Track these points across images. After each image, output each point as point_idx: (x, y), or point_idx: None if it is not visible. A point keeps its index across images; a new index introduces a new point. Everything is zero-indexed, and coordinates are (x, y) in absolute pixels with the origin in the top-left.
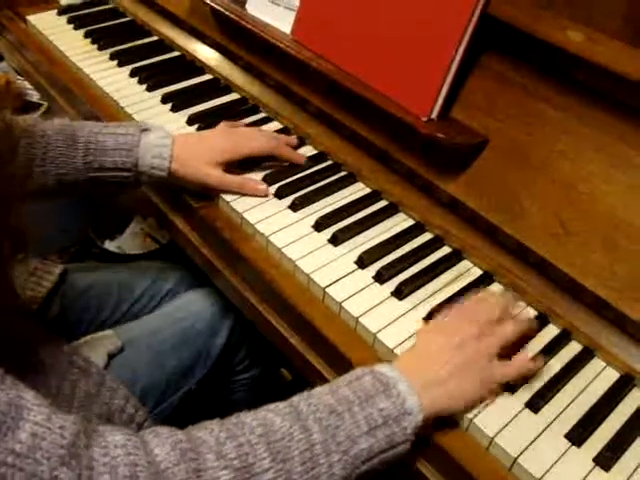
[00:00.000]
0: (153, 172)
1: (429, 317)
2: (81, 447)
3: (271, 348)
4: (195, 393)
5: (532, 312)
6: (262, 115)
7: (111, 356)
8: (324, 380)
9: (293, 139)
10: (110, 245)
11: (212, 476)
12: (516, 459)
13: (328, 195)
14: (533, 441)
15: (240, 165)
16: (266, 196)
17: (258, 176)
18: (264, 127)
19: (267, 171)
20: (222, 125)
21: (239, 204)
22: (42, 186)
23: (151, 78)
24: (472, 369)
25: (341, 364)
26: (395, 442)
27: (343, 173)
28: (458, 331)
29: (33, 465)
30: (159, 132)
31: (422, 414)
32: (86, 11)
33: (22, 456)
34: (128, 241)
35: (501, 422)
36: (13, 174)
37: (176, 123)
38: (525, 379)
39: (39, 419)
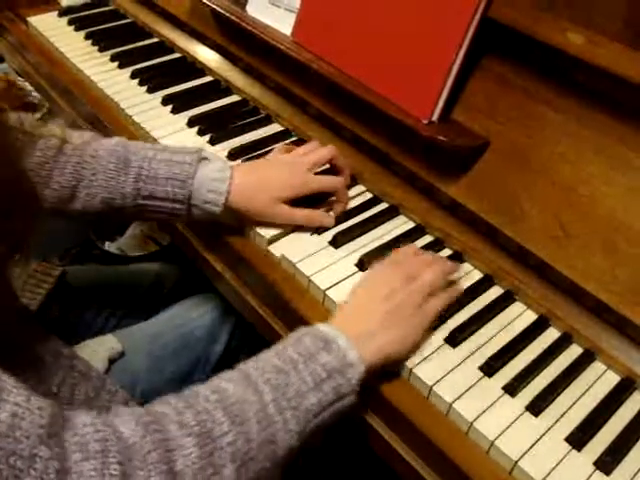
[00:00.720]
0: (206, 207)
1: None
2: (58, 428)
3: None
4: None
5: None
6: (262, 117)
7: (112, 361)
8: None
9: (349, 178)
10: (111, 247)
11: (178, 444)
12: (517, 462)
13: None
14: (534, 444)
15: None
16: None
17: None
18: (264, 129)
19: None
20: (278, 150)
21: None
22: (86, 209)
23: (152, 80)
24: (404, 315)
25: None
26: (342, 393)
27: None
28: (385, 282)
29: (13, 444)
30: (217, 163)
31: (364, 365)
32: (87, 13)
33: (2, 435)
34: (128, 243)
35: (502, 425)
36: (14, 179)
37: (177, 125)
38: (525, 382)
39: (19, 400)
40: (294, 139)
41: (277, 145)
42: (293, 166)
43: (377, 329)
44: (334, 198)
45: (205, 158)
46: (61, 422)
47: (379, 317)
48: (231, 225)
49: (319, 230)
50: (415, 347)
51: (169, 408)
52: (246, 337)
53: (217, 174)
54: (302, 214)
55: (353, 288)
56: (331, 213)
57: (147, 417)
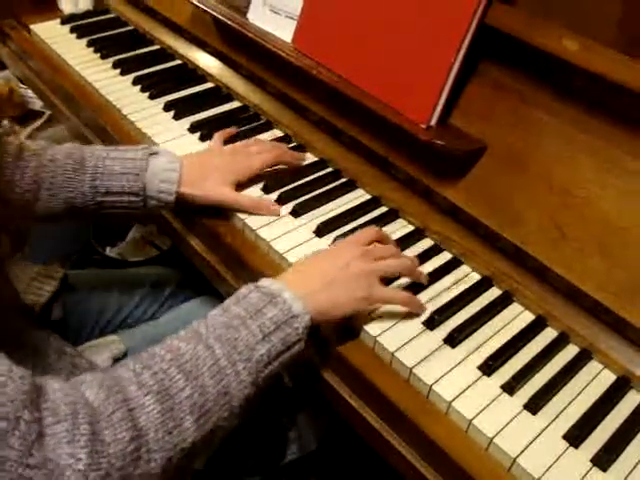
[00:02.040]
0: (161, 196)
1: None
2: (35, 395)
3: None
4: None
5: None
6: (263, 123)
7: (115, 360)
8: (326, 384)
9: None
10: (111, 252)
11: (138, 403)
12: (515, 459)
13: (329, 201)
14: (532, 442)
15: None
16: (278, 215)
17: (259, 184)
18: (265, 135)
19: (268, 178)
20: (217, 139)
21: None
22: (50, 209)
23: (153, 86)
24: (352, 284)
25: (341, 366)
26: (290, 343)
27: (343, 180)
28: (343, 253)
29: None
30: (167, 156)
31: (308, 315)
32: (89, 20)
33: None
34: (129, 248)
35: (500, 423)
36: None
37: (178, 130)
38: (523, 381)
39: (2, 370)
40: (293, 144)
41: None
42: (237, 152)
43: (322, 288)
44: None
45: (155, 152)
46: (37, 390)
47: (329, 279)
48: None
49: (321, 233)
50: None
51: (127, 371)
52: None
53: (168, 165)
54: (247, 199)
55: (308, 255)
56: (278, 205)
57: (108, 381)
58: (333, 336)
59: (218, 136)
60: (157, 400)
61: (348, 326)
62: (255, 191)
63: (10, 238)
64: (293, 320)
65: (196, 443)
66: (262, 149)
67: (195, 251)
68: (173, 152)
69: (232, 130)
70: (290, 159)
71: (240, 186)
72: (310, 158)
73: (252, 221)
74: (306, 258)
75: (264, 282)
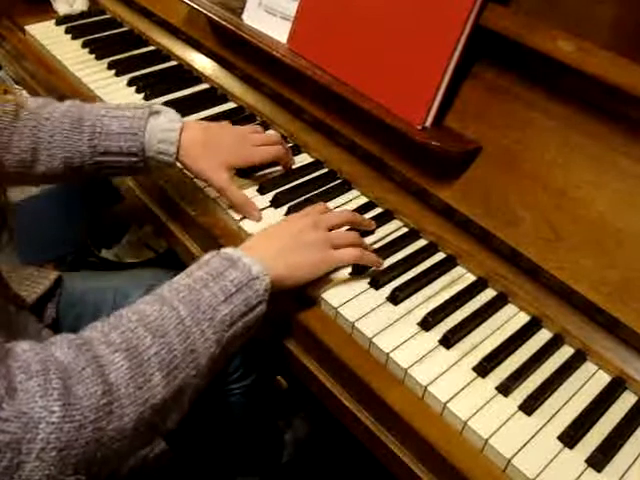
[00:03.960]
0: (160, 157)
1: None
2: (4, 355)
3: (266, 356)
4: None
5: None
6: (258, 123)
7: None
8: (323, 387)
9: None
10: (107, 254)
11: (108, 360)
12: (510, 460)
13: (324, 202)
14: (527, 443)
15: (237, 171)
16: (259, 220)
17: (255, 184)
18: None
19: (263, 179)
20: (238, 128)
21: (236, 212)
22: (49, 170)
23: (148, 87)
24: (310, 248)
25: (337, 367)
26: (252, 304)
27: (339, 181)
28: (295, 224)
29: None
30: (169, 115)
31: (268, 277)
32: (84, 21)
33: None
34: (125, 250)
35: (495, 424)
36: None
37: None
38: (518, 382)
39: None
40: (290, 145)
41: None
42: (244, 138)
43: (278, 253)
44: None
45: (156, 112)
46: (4, 352)
47: (286, 244)
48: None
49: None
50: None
51: (96, 331)
52: None
53: (167, 124)
54: (237, 193)
55: (265, 227)
56: (259, 200)
57: (78, 340)
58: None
59: (243, 128)
60: (125, 357)
61: (339, 326)
62: (251, 191)
63: None
64: (253, 282)
65: (166, 399)
66: (267, 142)
67: (190, 253)
68: (175, 112)
69: (255, 129)
70: (286, 160)
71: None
72: (305, 159)
73: (248, 224)
74: (263, 230)
75: (225, 249)
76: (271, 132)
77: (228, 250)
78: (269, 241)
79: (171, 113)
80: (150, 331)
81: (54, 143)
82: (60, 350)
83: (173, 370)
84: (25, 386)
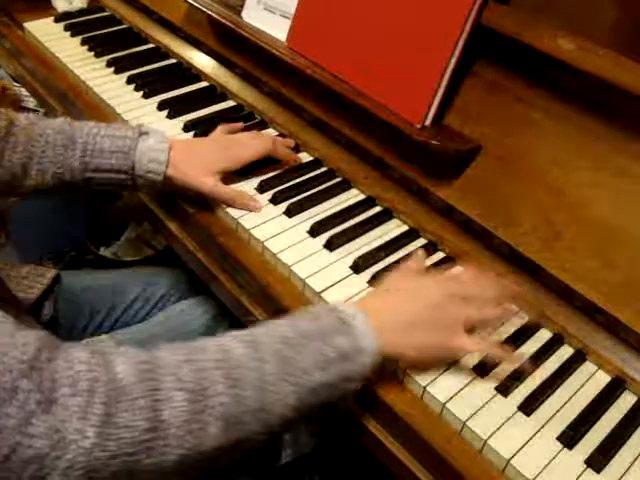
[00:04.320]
0: (149, 176)
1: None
2: (43, 360)
3: None
4: None
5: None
6: (257, 122)
7: None
8: None
9: (290, 141)
10: (106, 252)
11: (167, 395)
12: (509, 461)
13: (323, 201)
14: (526, 443)
15: (237, 170)
16: (259, 211)
17: (254, 182)
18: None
19: (262, 177)
20: (219, 130)
21: (235, 210)
22: (39, 184)
23: (147, 85)
24: (437, 328)
25: None
26: (348, 378)
27: (338, 179)
28: (432, 290)
29: None
30: (157, 136)
31: (378, 353)
32: (83, 18)
33: None
34: (124, 247)
35: (494, 425)
36: None
37: (172, 130)
38: (517, 382)
39: (3, 338)
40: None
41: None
42: (228, 140)
43: (404, 327)
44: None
45: (146, 132)
46: (48, 354)
47: (412, 318)
48: (191, 196)
49: (314, 233)
50: (429, 366)
51: (171, 357)
52: None
53: (157, 145)
54: (225, 190)
55: (396, 279)
56: (258, 198)
57: (145, 365)
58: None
59: (221, 128)
60: (189, 399)
61: None
62: (249, 191)
63: None
64: (359, 354)
65: (219, 449)
66: (258, 140)
67: (189, 251)
68: (163, 132)
69: (239, 125)
70: (283, 155)
71: (232, 181)
72: (305, 157)
73: (245, 221)
74: (389, 282)
75: (342, 305)
76: (267, 132)
77: (348, 309)
78: (394, 305)
79: (159, 134)
80: (226, 377)
81: (46, 158)
82: (123, 366)
83: (235, 424)
84: (66, 402)
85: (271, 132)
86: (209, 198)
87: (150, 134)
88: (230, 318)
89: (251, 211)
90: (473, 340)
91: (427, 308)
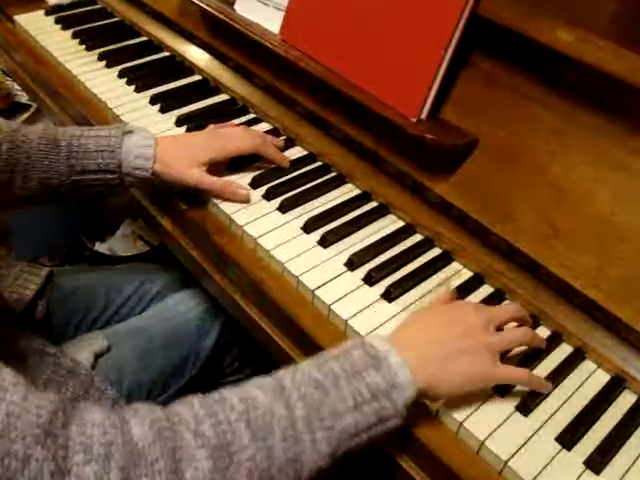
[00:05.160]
0: (137, 173)
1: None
2: (58, 426)
3: (262, 349)
4: (183, 394)
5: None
6: (251, 116)
7: (97, 356)
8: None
9: (280, 141)
10: (101, 247)
11: (190, 454)
12: (507, 462)
13: (317, 196)
14: (524, 444)
15: (229, 167)
16: (248, 201)
17: (247, 177)
18: (253, 128)
19: (256, 172)
20: (210, 127)
21: (228, 206)
22: (26, 191)
23: (140, 79)
24: (473, 358)
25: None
26: (384, 417)
27: (333, 174)
28: (466, 319)
29: (8, 444)
30: (142, 133)
31: (414, 388)
32: (74, 11)
33: None
34: (119, 243)
35: (491, 425)
36: None
37: (165, 124)
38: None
39: (15, 399)
40: (282, 138)
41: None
42: (213, 133)
43: (439, 359)
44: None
45: (130, 131)
46: (62, 419)
47: (447, 349)
48: (183, 192)
49: (308, 229)
50: (461, 398)
51: (189, 413)
52: (237, 332)
53: (143, 141)
54: (212, 180)
55: (426, 310)
56: (246, 187)
57: (163, 422)
58: None
59: (212, 125)
60: (212, 455)
61: None
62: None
63: None
64: (394, 391)
65: None
66: (247, 134)
67: (182, 248)
68: (147, 130)
69: (231, 122)
70: (272, 154)
71: (223, 177)
72: (299, 152)
73: (239, 217)
74: (421, 313)
75: (373, 340)
76: (260, 126)
77: (376, 342)
78: (427, 337)
79: (144, 131)
80: (252, 429)
81: (31, 164)
82: (139, 427)
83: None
84: (80, 471)
85: (265, 126)
86: (200, 192)
87: (135, 132)
88: (225, 314)
89: (240, 200)
90: (513, 369)
91: (459, 338)
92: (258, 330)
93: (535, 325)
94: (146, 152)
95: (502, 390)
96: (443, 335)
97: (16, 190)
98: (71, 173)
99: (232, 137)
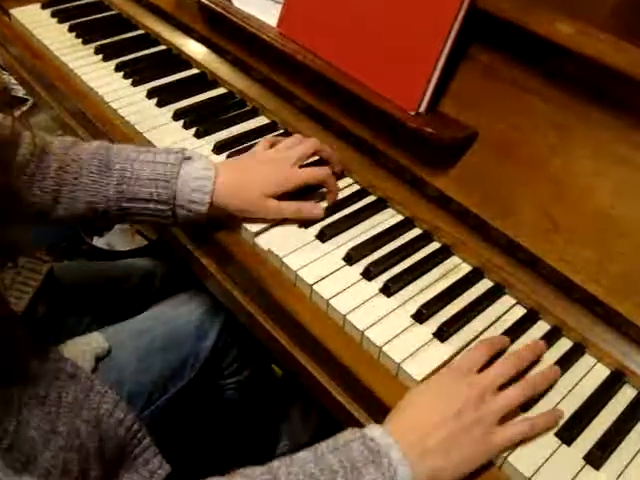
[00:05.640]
0: (192, 207)
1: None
2: None
3: (261, 347)
4: (183, 395)
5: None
6: (249, 109)
7: (98, 359)
8: (312, 379)
9: (339, 167)
10: (99, 242)
11: None
12: (506, 458)
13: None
14: (523, 440)
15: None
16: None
17: None
18: (251, 122)
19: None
20: (262, 146)
21: None
22: (70, 212)
23: (136, 73)
24: (470, 440)
25: (328, 361)
26: None
27: None
28: (456, 396)
29: None
30: (201, 162)
31: None
32: (71, 4)
33: None
34: (117, 238)
35: None
36: (8, 187)
37: (162, 118)
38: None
39: None
40: (280, 132)
41: (262, 139)
42: (277, 162)
43: (438, 449)
44: (324, 189)
45: (189, 158)
46: None
47: (443, 435)
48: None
49: (306, 224)
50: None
51: None
52: (236, 333)
53: (201, 172)
54: (290, 207)
55: (417, 390)
56: (321, 204)
57: None
58: None
59: (263, 142)
60: None
61: None
62: None
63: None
64: None
65: None
66: (303, 156)
67: (180, 243)
68: (208, 158)
69: (278, 139)
70: (332, 185)
71: None
72: None
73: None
74: (415, 395)
75: (373, 431)
76: (311, 140)
77: (375, 433)
78: (428, 421)
79: (204, 160)
80: None
81: (79, 186)
82: None
83: None
84: None
85: (262, 120)
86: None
87: (194, 159)
88: (224, 313)
89: (316, 218)
90: (513, 429)
91: (456, 419)
92: (258, 327)
93: (535, 320)
94: (205, 185)
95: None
96: (440, 418)
97: (60, 212)
98: (120, 200)
99: (296, 168)
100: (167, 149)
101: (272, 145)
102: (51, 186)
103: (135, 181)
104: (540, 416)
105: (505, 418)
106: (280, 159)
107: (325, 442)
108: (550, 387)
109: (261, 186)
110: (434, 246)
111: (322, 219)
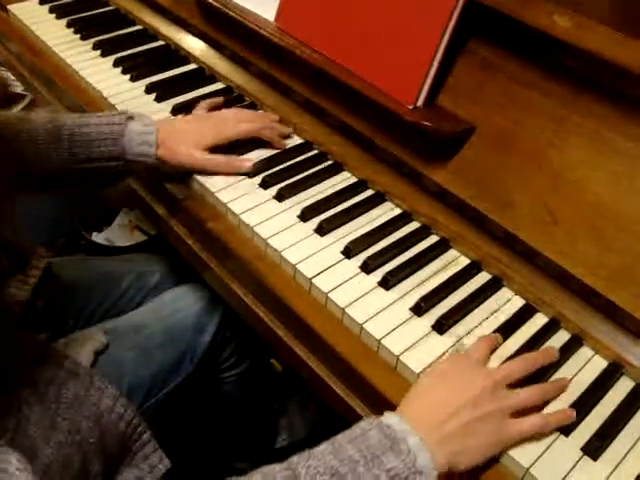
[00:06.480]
0: (141, 159)
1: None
2: None
3: (260, 341)
4: (182, 389)
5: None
6: (247, 104)
7: (97, 354)
8: (311, 372)
9: (286, 129)
10: (98, 237)
11: None
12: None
13: (314, 185)
14: None
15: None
16: (247, 174)
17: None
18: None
19: (252, 161)
20: (200, 107)
21: (224, 194)
22: (31, 180)
23: (135, 68)
24: (487, 428)
25: (328, 354)
26: None
27: (329, 162)
28: (474, 384)
29: None
30: (143, 119)
31: (435, 472)
32: (68, 0)
33: None
34: (116, 233)
35: None
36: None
37: (161, 113)
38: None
39: None
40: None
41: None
42: (212, 117)
43: (456, 435)
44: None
45: (131, 117)
46: None
47: (461, 422)
48: (181, 178)
49: (305, 218)
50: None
51: None
52: (234, 327)
53: (144, 128)
54: (218, 159)
55: (429, 377)
56: (250, 157)
57: None
58: None
59: (201, 104)
60: None
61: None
62: (238, 175)
63: (8, 256)
64: (415, 477)
65: None
66: (242, 118)
67: (178, 237)
68: (148, 115)
69: (218, 99)
70: (271, 135)
71: None
72: (295, 140)
73: (235, 206)
74: (429, 379)
75: (389, 419)
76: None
77: (391, 420)
78: (444, 409)
79: (145, 117)
80: None
81: (35, 153)
82: None
83: None
84: None
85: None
86: (200, 174)
87: (136, 118)
88: (223, 307)
89: (245, 171)
90: (526, 422)
91: (472, 408)
92: (256, 321)
93: (533, 312)
94: (149, 138)
95: None
96: (455, 406)
97: (22, 179)
98: (74, 162)
99: (233, 120)
100: (111, 111)
101: (212, 105)
102: (11, 157)
103: (86, 143)
104: (553, 414)
105: (516, 414)
106: (218, 115)
107: (342, 434)
108: (549, 379)
109: (195, 138)
110: (432, 239)
111: (321, 213)
